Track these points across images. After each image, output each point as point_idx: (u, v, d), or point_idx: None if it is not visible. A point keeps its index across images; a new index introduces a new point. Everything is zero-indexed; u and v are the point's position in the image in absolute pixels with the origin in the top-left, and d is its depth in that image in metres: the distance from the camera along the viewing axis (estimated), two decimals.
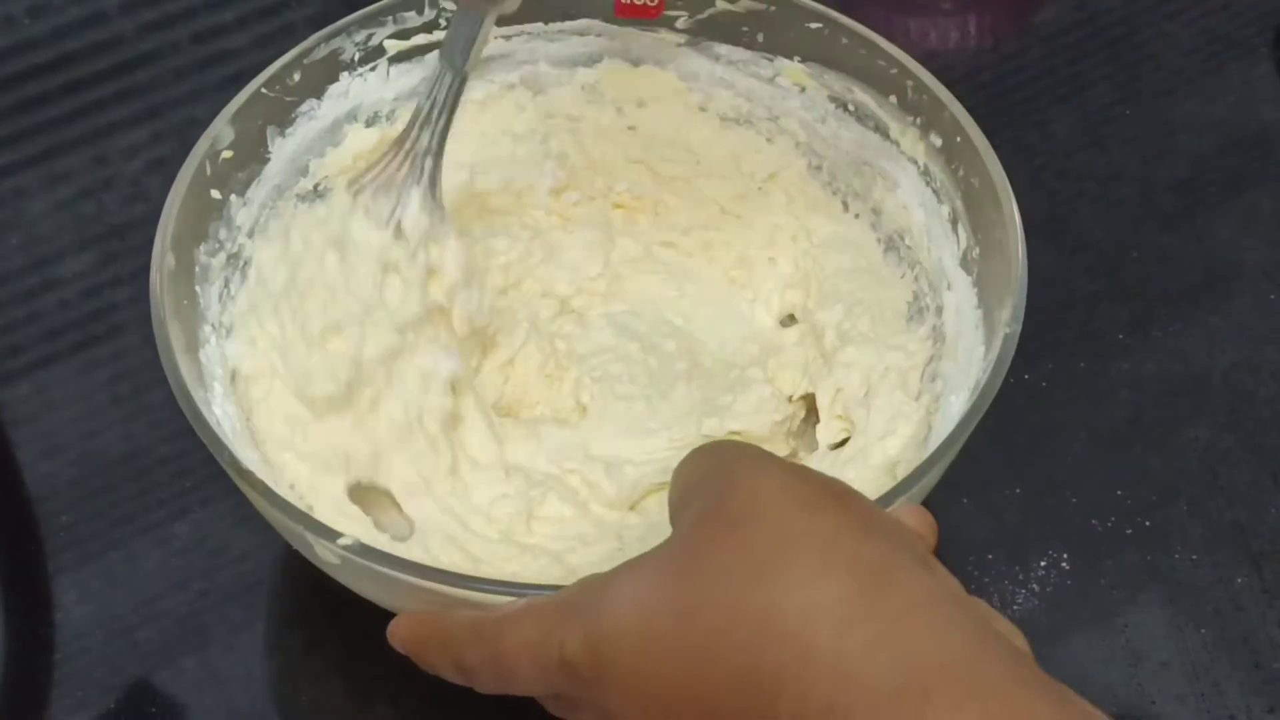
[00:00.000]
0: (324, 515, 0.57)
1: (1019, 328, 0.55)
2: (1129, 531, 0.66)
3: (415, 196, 0.59)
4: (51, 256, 0.75)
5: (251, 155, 0.63)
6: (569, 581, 0.46)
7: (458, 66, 0.59)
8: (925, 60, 0.63)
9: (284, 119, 0.64)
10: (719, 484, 0.43)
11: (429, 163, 0.60)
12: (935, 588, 0.41)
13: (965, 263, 0.62)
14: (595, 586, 0.44)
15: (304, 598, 0.64)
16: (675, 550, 0.43)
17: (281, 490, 0.56)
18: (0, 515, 0.67)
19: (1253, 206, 0.78)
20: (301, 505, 0.57)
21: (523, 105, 0.70)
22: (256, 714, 0.61)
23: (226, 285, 0.62)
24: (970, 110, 0.61)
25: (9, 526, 0.67)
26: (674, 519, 0.45)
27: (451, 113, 0.60)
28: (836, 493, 0.43)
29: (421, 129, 0.60)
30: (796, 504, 0.42)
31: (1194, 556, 0.65)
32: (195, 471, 0.66)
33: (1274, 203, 0.78)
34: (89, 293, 0.73)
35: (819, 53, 0.66)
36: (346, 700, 0.62)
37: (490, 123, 0.69)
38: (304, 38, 0.64)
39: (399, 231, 0.59)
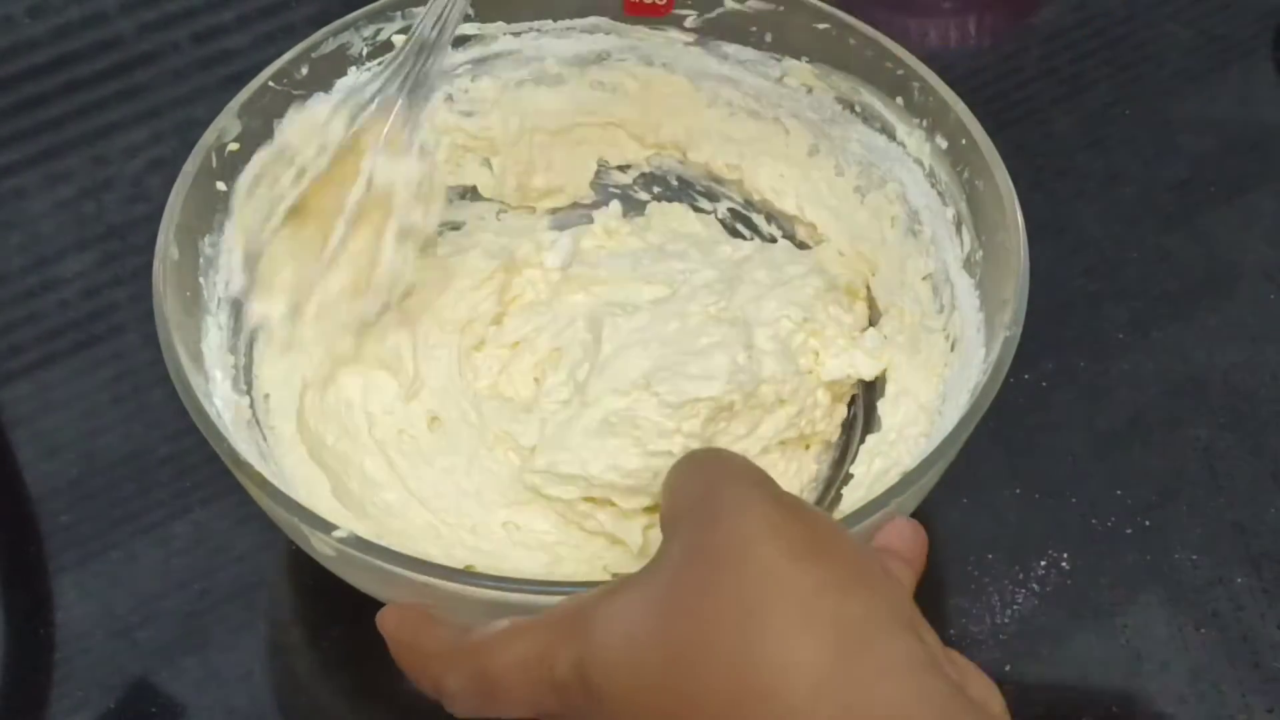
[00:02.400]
0: None
1: (1019, 331, 0.55)
2: (1129, 531, 0.66)
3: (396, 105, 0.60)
4: (51, 256, 0.75)
5: (257, 148, 0.63)
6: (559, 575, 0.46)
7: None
8: (925, 60, 0.63)
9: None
10: (708, 513, 0.43)
11: (410, 71, 0.60)
12: (913, 653, 0.40)
13: (969, 265, 0.62)
14: (585, 607, 0.44)
15: (304, 597, 0.64)
16: (664, 585, 0.43)
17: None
18: (0, 515, 0.67)
19: (1253, 206, 0.78)
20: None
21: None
22: (256, 714, 0.61)
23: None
24: (970, 110, 0.61)
25: (9, 526, 0.67)
26: (665, 533, 0.45)
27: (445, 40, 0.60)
28: (824, 539, 0.43)
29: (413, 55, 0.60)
30: (783, 550, 0.41)
31: (1194, 556, 0.65)
32: (195, 471, 0.66)
33: (1274, 203, 0.78)
34: (89, 293, 0.73)
35: (826, 53, 0.66)
36: (346, 700, 0.62)
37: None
38: (303, 37, 0.64)
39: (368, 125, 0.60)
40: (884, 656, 0.40)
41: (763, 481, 0.44)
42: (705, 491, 0.44)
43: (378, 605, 0.53)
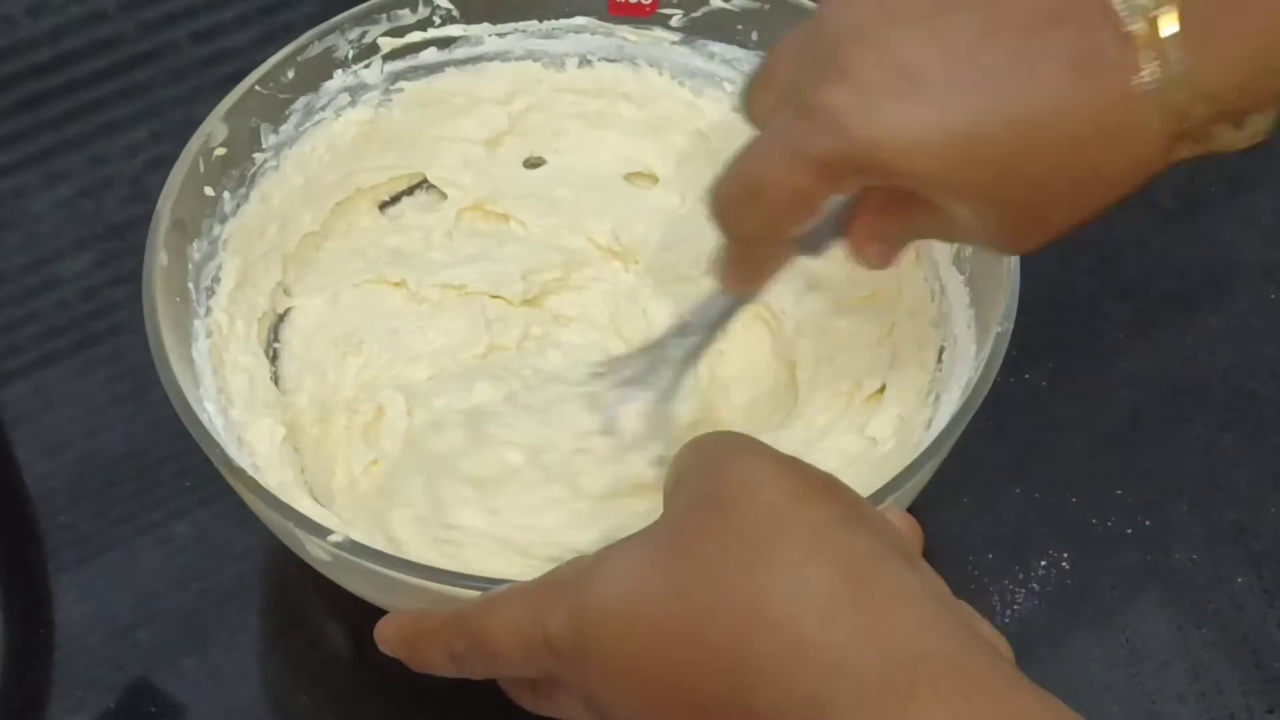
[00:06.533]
0: None
1: (1010, 327, 0.55)
2: (1129, 531, 0.66)
3: (641, 401, 0.58)
4: (51, 256, 0.75)
5: (245, 152, 0.63)
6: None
7: (732, 302, 0.57)
8: None
9: (278, 116, 0.65)
10: (712, 469, 0.44)
11: (669, 373, 0.58)
12: (920, 584, 0.41)
13: (958, 261, 0.62)
14: (582, 567, 0.44)
15: (304, 597, 0.64)
16: (667, 532, 0.43)
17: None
18: (0, 515, 0.67)
19: (1253, 206, 0.78)
20: None
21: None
22: (256, 714, 0.61)
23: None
24: None
25: (9, 526, 0.67)
26: (666, 501, 0.46)
27: (713, 335, 0.58)
28: (826, 484, 0.44)
29: (677, 339, 0.58)
30: (788, 492, 0.42)
31: (1194, 556, 0.65)
32: (195, 471, 0.66)
33: (1274, 203, 0.78)
34: (89, 292, 0.73)
35: None
36: (346, 700, 0.62)
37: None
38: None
39: (609, 427, 0.58)
40: (893, 586, 0.41)
41: (764, 444, 0.45)
42: (710, 455, 0.45)
43: (376, 605, 0.53)
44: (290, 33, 0.66)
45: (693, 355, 0.58)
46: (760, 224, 0.49)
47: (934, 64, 0.43)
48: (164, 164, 0.61)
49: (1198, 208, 0.77)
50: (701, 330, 0.58)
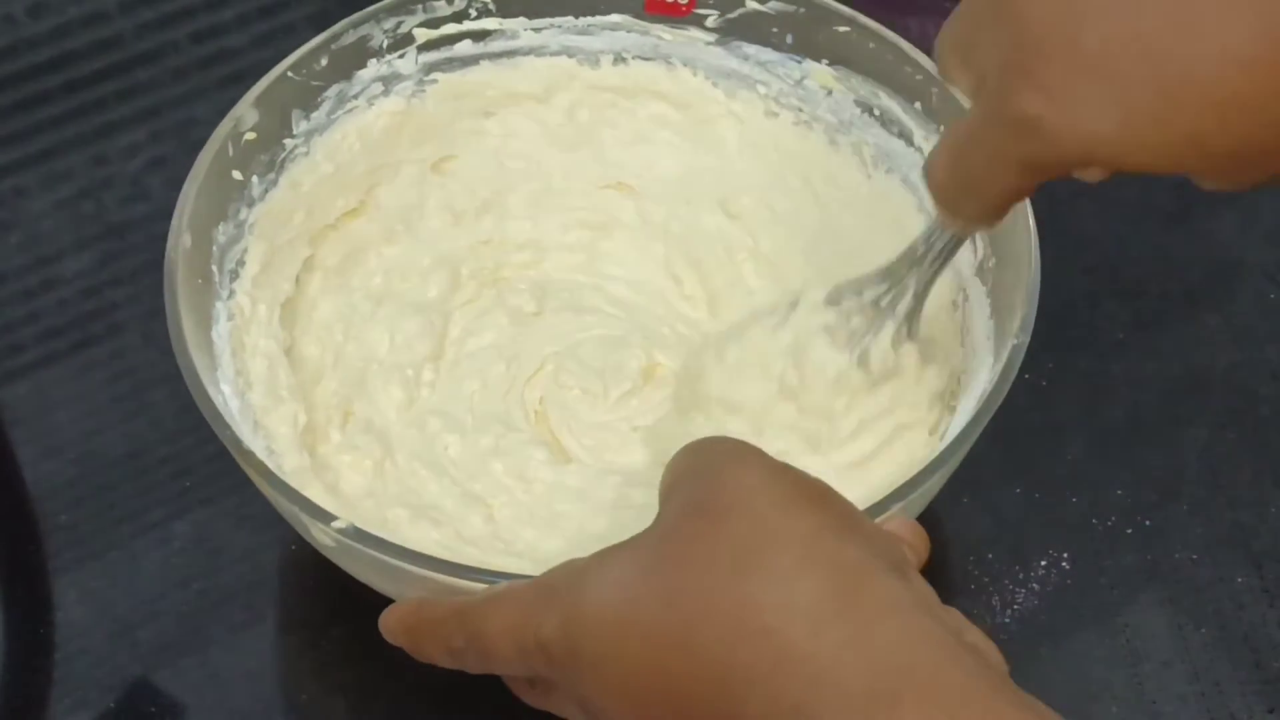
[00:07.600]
0: None
1: (1027, 339, 0.55)
2: (1129, 531, 0.66)
3: (888, 330, 0.59)
4: (51, 256, 0.75)
5: (275, 138, 0.64)
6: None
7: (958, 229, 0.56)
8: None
9: (310, 103, 0.65)
10: (705, 476, 0.44)
11: (910, 303, 0.58)
12: (908, 595, 0.41)
13: (981, 272, 0.62)
14: (576, 570, 0.44)
15: (304, 597, 0.64)
16: (658, 539, 0.43)
17: None
18: (0, 515, 0.67)
19: (1253, 206, 0.78)
20: None
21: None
22: (256, 714, 0.61)
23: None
24: None
25: (9, 526, 0.67)
26: (661, 506, 0.46)
27: (944, 263, 0.58)
28: (818, 493, 0.44)
29: (911, 269, 0.58)
30: (778, 501, 0.42)
31: (1194, 556, 0.65)
32: (195, 471, 0.66)
33: (1274, 203, 0.78)
34: (89, 292, 0.73)
35: (847, 56, 0.66)
36: (347, 699, 0.62)
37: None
38: (303, 37, 0.64)
39: (864, 359, 0.59)
40: (882, 597, 0.41)
41: (759, 451, 0.45)
42: (704, 461, 0.45)
43: (376, 605, 0.53)
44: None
45: (928, 285, 0.58)
46: (980, 210, 0.52)
47: (1122, 51, 0.44)
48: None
49: (1198, 208, 0.77)
50: (931, 260, 0.57)
